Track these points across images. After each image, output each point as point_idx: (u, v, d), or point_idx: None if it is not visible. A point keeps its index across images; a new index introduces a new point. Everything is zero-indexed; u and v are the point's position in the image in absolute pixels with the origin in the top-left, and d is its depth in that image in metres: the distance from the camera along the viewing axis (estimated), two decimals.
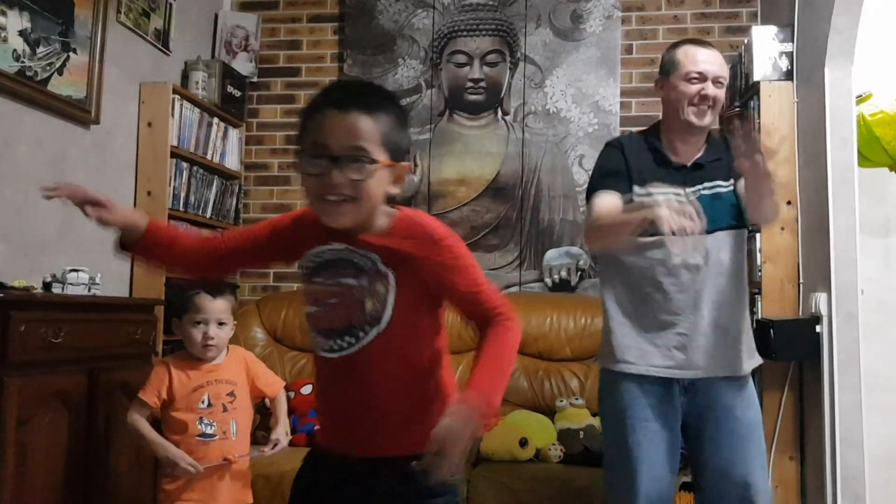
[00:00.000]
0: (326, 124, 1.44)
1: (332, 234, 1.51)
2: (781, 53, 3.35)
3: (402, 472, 1.49)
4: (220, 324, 2.45)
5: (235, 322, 2.54)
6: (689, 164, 2.25)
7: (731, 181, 2.23)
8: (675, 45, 2.31)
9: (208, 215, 3.95)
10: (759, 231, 3.30)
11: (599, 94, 4.06)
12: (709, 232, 2.13)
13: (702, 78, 2.19)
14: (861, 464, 2.85)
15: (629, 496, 2.18)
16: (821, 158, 3.02)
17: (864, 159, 3.17)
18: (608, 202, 2.18)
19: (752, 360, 2.29)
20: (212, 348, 2.45)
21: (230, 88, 4.08)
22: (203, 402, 2.41)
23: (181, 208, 3.69)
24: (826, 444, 2.91)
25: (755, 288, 3.34)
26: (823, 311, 2.95)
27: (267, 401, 2.81)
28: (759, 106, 3.34)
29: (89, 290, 2.77)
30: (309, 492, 1.59)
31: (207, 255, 1.67)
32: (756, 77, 3.37)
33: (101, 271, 2.92)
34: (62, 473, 2.50)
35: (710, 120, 2.22)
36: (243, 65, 4.27)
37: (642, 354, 2.21)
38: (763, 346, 3.06)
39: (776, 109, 3.30)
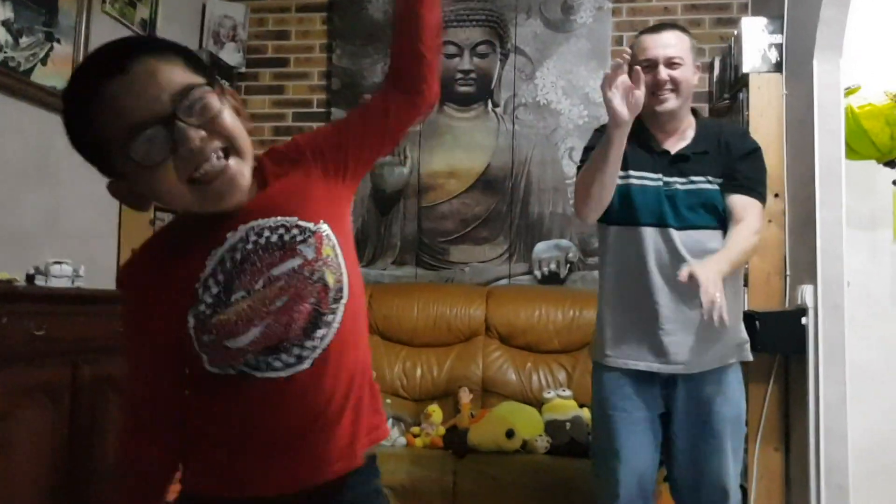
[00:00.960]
0: (131, 90, 1.04)
1: (219, 226, 1.14)
2: (771, 45, 3.34)
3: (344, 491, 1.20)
4: None
5: None
6: (672, 152, 2.21)
7: (719, 181, 2.18)
8: (636, 37, 2.28)
9: None
10: None
11: (590, 87, 4.04)
12: (683, 228, 2.14)
13: (652, 65, 2.16)
14: (845, 456, 2.86)
15: (611, 484, 2.21)
16: (808, 151, 3.02)
17: (852, 152, 3.17)
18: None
19: (738, 356, 2.26)
20: None
21: (217, 79, 4.05)
22: None
23: None
24: (810, 435, 2.92)
25: (742, 280, 3.35)
26: (809, 303, 2.95)
27: None
28: (748, 98, 3.34)
29: (73, 282, 2.77)
30: None
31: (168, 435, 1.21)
32: (745, 69, 3.37)
33: (85, 263, 2.91)
34: (46, 467, 2.49)
35: (673, 104, 2.17)
36: (231, 55, 4.25)
37: (625, 348, 2.22)
38: (749, 339, 3.07)
39: (765, 101, 3.30)
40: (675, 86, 2.16)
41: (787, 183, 3.23)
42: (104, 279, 3.39)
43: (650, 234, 2.16)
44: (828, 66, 3.00)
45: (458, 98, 4.17)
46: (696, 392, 2.20)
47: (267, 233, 1.14)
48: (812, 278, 2.96)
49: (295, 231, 1.15)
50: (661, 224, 2.15)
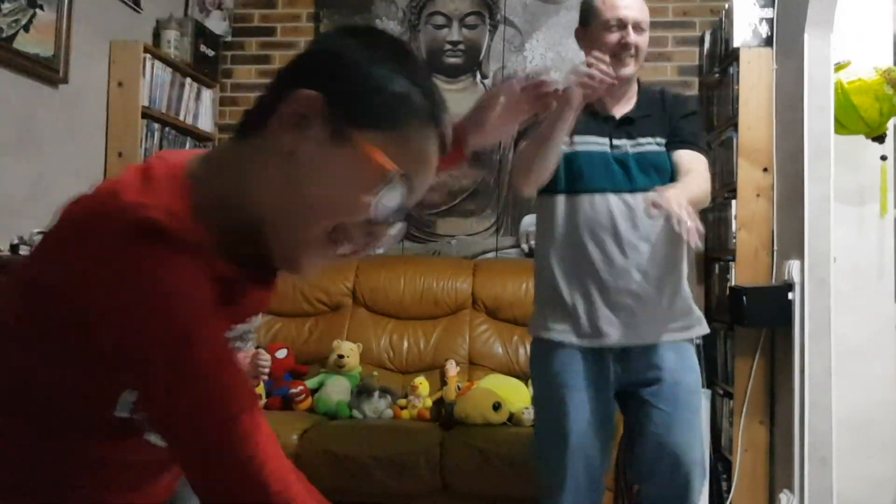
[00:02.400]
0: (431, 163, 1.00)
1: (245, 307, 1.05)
2: (762, 19, 3.33)
3: None
4: None
5: None
6: (618, 116, 2.14)
7: (664, 141, 2.13)
8: None
9: None
10: (734, 198, 3.31)
11: (579, 58, 3.99)
12: (634, 191, 2.05)
13: (621, 24, 2.07)
14: (829, 429, 2.90)
15: (558, 472, 2.09)
16: (798, 126, 3.02)
17: (841, 127, 3.17)
18: None
19: (689, 328, 2.17)
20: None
21: (203, 48, 4.00)
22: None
23: None
24: (795, 409, 2.95)
25: (729, 255, 3.36)
26: (796, 278, 2.97)
27: None
28: (738, 72, 3.33)
29: None
30: None
31: None
32: (736, 43, 3.35)
33: None
34: None
35: (632, 69, 2.10)
36: (217, 23, 4.18)
37: (569, 323, 2.10)
38: (736, 313, 3.09)
39: (755, 76, 3.29)
40: (636, 52, 2.09)
41: (776, 158, 3.23)
42: None
43: (601, 200, 2.07)
44: (818, 41, 2.99)
45: (446, 70, 4.14)
46: (656, 362, 2.10)
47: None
48: (799, 253, 2.98)
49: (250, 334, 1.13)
50: (612, 189, 2.07)
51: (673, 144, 2.13)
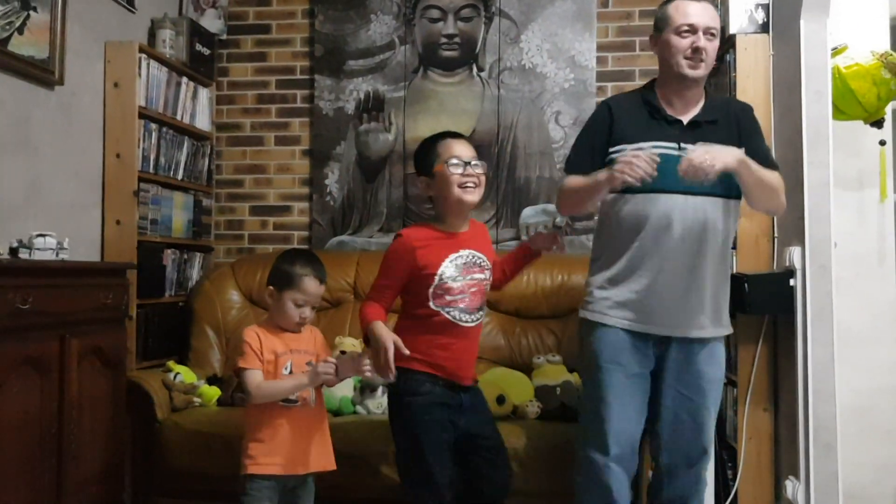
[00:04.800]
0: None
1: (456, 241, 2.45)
2: (757, 5, 3.31)
3: (476, 391, 2.57)
4: (313, 308, 2.48)
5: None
6: (685, 120, 2.29)
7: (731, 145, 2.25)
8: (667, 1, 2.36)
9: (180, 177, 3.89)
10: None
11: (576, 49, 4.01)
12: (690, 193, 2.22)
13: (692, 30, 2.25)
14: (833, 415, 2.89)
15: (599, 434, 2.34)
16: (795, 112, 3.00)
17: (839, 112, 3.16)
18: (576, 176, 2.38)
19: (721, 327, 2.40)
20: (303, 326, 2.48)
21: (199, 47, 4.00)
22: (286, 369, 2.39)
23: (151, 170, 3.63)
24: (799, 395, 2.94)
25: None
26: (797, 264, 2.96)
27: None
28: (734, 59, 3.32)
29: (57, 254, 2.73)
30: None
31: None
32: (732, 30, 3.34)
33: (69, 236, 2.88)
34: (35, 440, 2.48)
35: (703, 72, 2.28)
36: (212, 22, 4.17)
37: (615, 306, 2.34)
38: (737, 300, 3.08)
39: (752, 63, 3.28)
40: (707, 56, 2.26)
41: (775, 144, 3.22)
42: (89, 251, 3.37)
43: (670, 200, 2.25)
44: (815, 25, 2.98)
45: (442, 63, 4.13)
46: (687, 352, 2.32)
47: (472, 257, 2.45)
48: (800, 240, 2.97)
49: (483, 262, 2.47)
50: (680, 190, 2.23)
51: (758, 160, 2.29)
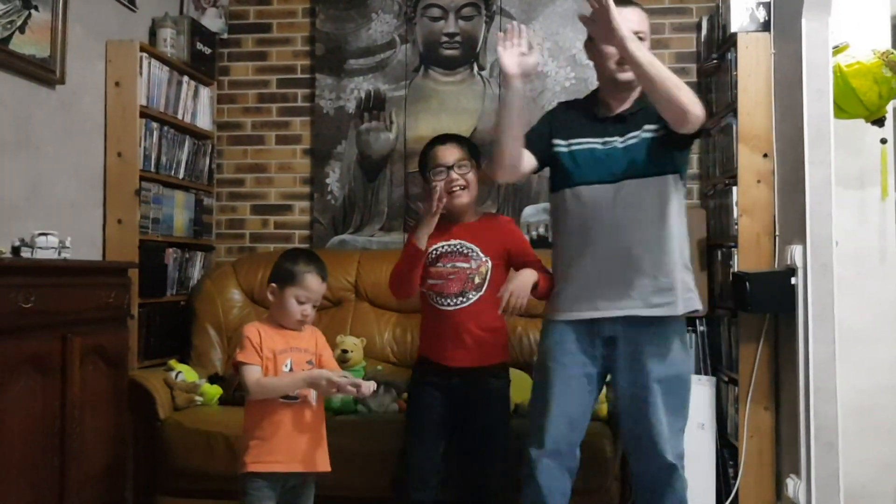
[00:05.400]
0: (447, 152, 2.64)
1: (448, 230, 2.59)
2: (759, 4, 3.32)
3: (476, 378, 2.57)
4: (314, 306, 2.46)
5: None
6: (613, 115, 2.39)
7: (653, 125, 2.32)
8: None
9: (181, 176, 3.89)
10: (734, 185, 3.30)
11: (577, 48, 4.00)
12: (618, 181, 2.31)
13: None
14: (834, 414, 2.90)
15: (539, 432, 2.38)
16: (797, 110, 3.01)
17: (840, 111, 3.16)
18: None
19: (658, 308, 2.32)
20: (305, 323, 2.47)
21: (200, 46, 3.99)
22: (286, 366, 2.37)
23: (153, 169, 3.63)
24: (800, 394, 2.94)
25: (731, 241, 3.36)
26: (799, 263, 2.96)
27: None
28: (735, 58, 3.32)
29: (59, 253, 2.73)
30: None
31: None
32: (733, 28, 3.35)
33: (71, 235, 2.88)
34: (37, 439, 2.48)
35: (632, 75, 2.27)
36: (213, 21, 4.17)
37: (562, 301, 2.40)
38: (739, 299, 3.09)
39: (753, 61, 3.28)
40: None
41: (776, 143, 3.23)
42: (90, 251, 3.37)
43: (592, 191, 2.33)
44: (816, 24, 2.98)
45: (443, 62, 4.13)
46: (634, 351, 2.33)
47: (459, 246, 2.60)
48: (801, 238, 2.97)
49: (471, 253, 2.59)
50: (603, 180, 2.32)
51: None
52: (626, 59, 2.19)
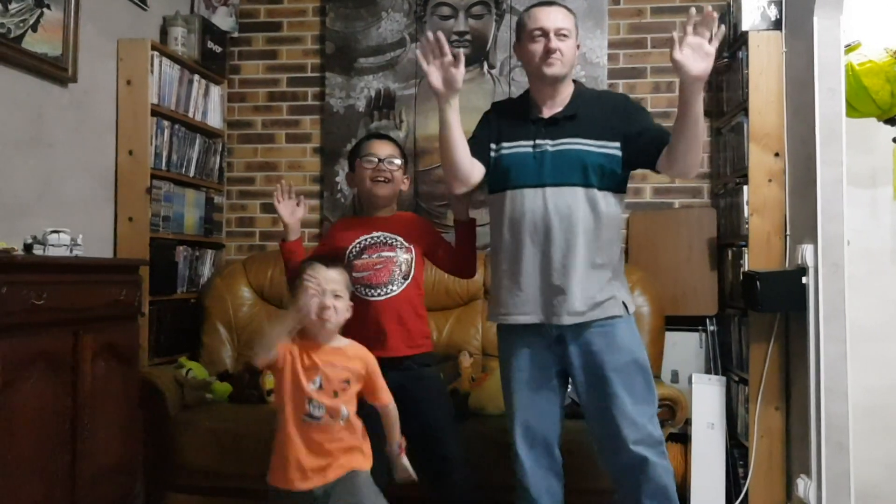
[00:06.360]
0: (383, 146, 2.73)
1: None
2: (770, 2, 3.31)
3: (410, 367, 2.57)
4: (336, 296, 2.18)
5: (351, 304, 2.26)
6: (546, 116, 2.39)
7: (600, 142, 2.33)
8: (523, 11, 2.47)
9: (191, 174, 3.90)
10: (745, 184, 3.29)
11: (587, 46, 4.00)
12: (548, 185, 2.31)
13: (543, 32, 2.34)
14: (845, 413, 2.88)
15: (512, 437, 2.44)
16: (808, 109, 3.00)
17: (852, 109, 3.15)
18: None
19: (599, 310, 2.33)
20: (328, 321, 2.16)
21: (210, 44, 4.00)
22: (314, 383, 2.14)
23: (164, 167, 3.64)
24: (811, 394, 2.93)
25: (741, 240, 3.35)
26: (810, 262, 2.95)
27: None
28: (747, 56, 3.31)
29: (71, 251, 2.74)
30: None
31: None
32: (744, 27, 3.33)
33: (82, 232, 2.89)
34: (49, 435, 2.49)
35: (560, 69, 2.35)
36: (223, 20, 4.18)
37: (511, 305, 2.38)
38: (749, 298, 3.08)
39: (764, 60, 3.27)
40: (562, 54, 2.35)
41: (787, 142, 3.21)
42: (102, 248, 3.38)
43: (521, 195, 2.34)
44: (828, 22, 2.97)
45: None
46: (584, 347, 2.34)
47: (384, 237, 2.64)
48: (812, 237, 2.96)
49: (395, 242, 2.65)
50: (532, 184, 2.33)
51: (652, 143, 2.32)
52: (690, 102, 2.13)
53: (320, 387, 2.14)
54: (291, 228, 2.63)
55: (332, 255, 2.41)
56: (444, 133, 2.31)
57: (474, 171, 2.39)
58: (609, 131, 2.35)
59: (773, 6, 3.30)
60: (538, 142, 2.36)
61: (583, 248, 2.31)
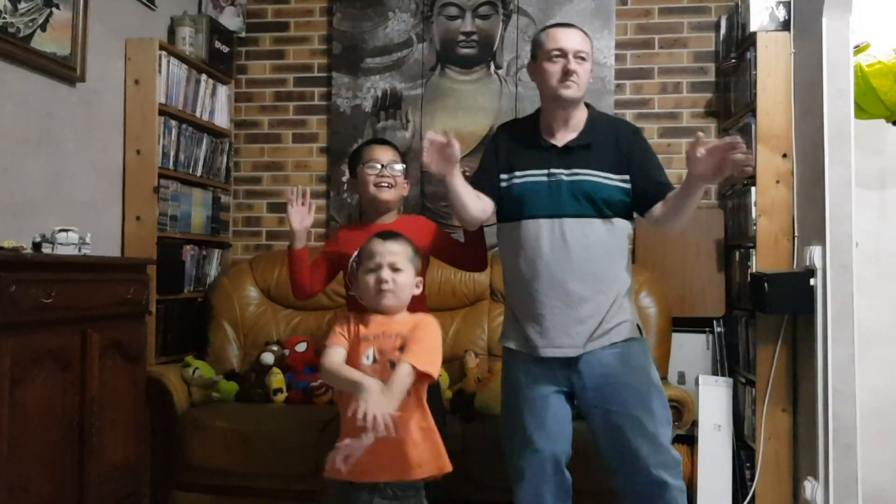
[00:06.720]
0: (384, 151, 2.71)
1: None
2: (779, 3, 3.30)
3: None
4: (395, 269, 2.07)
5: (420, 279, 2.17)
6: (559, 145, 2.35)
7: (611, 174, 2.32)
8: (540, 31, 2.45)
9: (199, 174, 3.91)
10: (753, 185, 3.28)
11: (594, 47, 3.98)
12: (557, 216, 2.29)
13: (563, 54, 2.32)
14: (853, 416, 2.88)
15: (519, 465, 2.35)
16: (817, 110, 2.99)
17: (861, 111, 3.14)
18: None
19: (607, 337, 2.30)
20: (386, 293, 2.05)
21: (218, 44, 4.01)
22: (367, 357, 2.01)
23: (171, 167, 3.65)
24: (819, 396, 2.93)
25: (749, 242, 3.34)
26: (818, 264, 2.94)
27: None
28: (755, 57, 3.30)
29: (79, 249, 2.75)
30: None
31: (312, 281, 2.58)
32: (753, 28, 3.33)
33: (91, 231, 2.90)
34: (57, 433, 2.50)
35: (575, 92, 2.33)
36: (231, 20, 4.19)
37: (518, 334, 2.36)
38: (757, 300, 3.08)
39: (773, 61, 3.26)
40: (580, 78, 2.33)
41: (796, 143, 3.20)
42: (109, 247, 3.39)
43: (536, 225, 2.31)
44: (837, 23, 2.96)
45: (460, 60, 4.13)
46: (599, 369, 2.29)
47: None
48: (820, 239, 2.95)
49: None
50: (547, 215, 2.30)
51: (655, 190, 2.33)
52: (691, 195, 2.17)
53: (374, 360, 2.01)
54: (298, 236, 2.57)
55: (389, 230, 2.29)
56: (452, 198, 2.32)
57: (485, 211, 2.38)
58: (621, 164, 2.34)
59: (781, 7, 3.30)
60: (552, 171, 2.33)
61: (601, 278, 2.30)
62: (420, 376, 1.95)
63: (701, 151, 2.06)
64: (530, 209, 2.32)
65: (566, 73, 2.31)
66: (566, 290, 2.27)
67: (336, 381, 2.02)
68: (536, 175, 2.35)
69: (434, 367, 1.98)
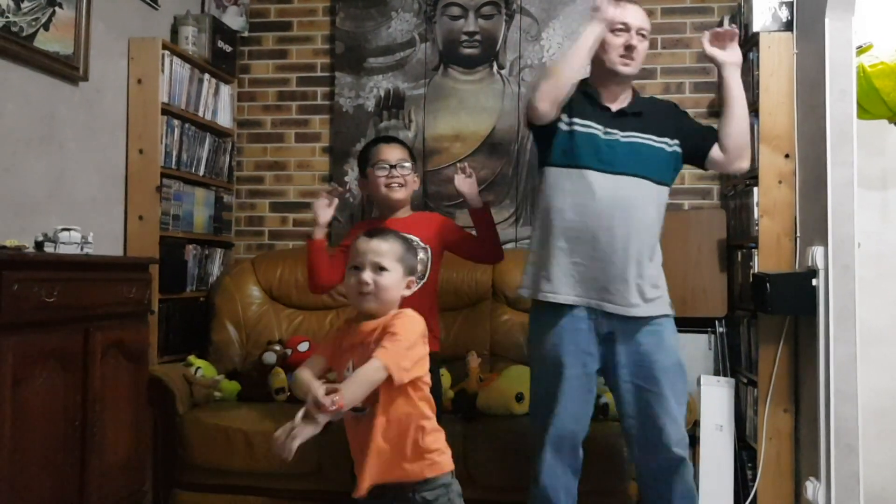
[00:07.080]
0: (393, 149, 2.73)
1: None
2: (781, 3, 3.30)
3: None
4: (380, 269, 1.92)
5: (411, 279, 2.01)
6: (614, 108, 2.43)
7: (663, 139, 2.42)
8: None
9: (201, 173, 3.92)
10: (755, 185, 3.28)
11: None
12: (609, 172, 2.34)
13: (626, 28, 2.38)
14: (855, 416, 2.87)
15: (542, 429, 2.41)
16: (820, 111, 2.98)
17: (864, 111, 3.13)
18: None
19: (652, 306, 2.37)
20: (366, 296, 1.91)
21: (221, 44, 4.02)
22: (349, 371, 1.89)
23: (174, 166, 3.65)
24: (820, 396, 2.92)
25: (751, 242, 3.33)
26: (820, 264, 2.94)
27: None
28: (757, 57, 3.30)
29: (82, 248, 2.76)
30: None
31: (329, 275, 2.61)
32: (755, 28, 3.33)
33: (93, 230, 2.91)
34: (59, 432, 2.51)
35: (633, 70, 2.40)
36: (234, 19, 4.19)
37: (557, 281, 2.37)
38: (759, 300, 3.07)
39: (775, 61, 3.26)
40: (638, 54, 2.40)
41: (798, 143, 3.20)
42: (112, 246, 3.40)
43: (594, 177, 2.34)
44: (840, 24, 2.95)
45: (462, 60, 4.13)
46: (633, 346, 2.36)
47: None
48: (823, 239, 2.95)
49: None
50: (600, 168, 2.35)
51: (704, 141, 2.48)
52: (731, 84, 2.40)
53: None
54: (323, 227, 2.65)
55: (379, 227, 2.21)
56: (581, 53, 2.33)
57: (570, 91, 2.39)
58: (670, 129, 2.43)
59: (784, 7, 3.29)
60: (608, 129, 2.39)
61: (643, 241, 2.35)
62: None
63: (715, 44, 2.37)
64: (588, 160, 2.36)
65: (628, 48, 2.37)
66: (611, 246, 2.32)
67: (297, 391, 1.91)
68: (595, 128, 2.39)
69: (399, 367, 1.82)
